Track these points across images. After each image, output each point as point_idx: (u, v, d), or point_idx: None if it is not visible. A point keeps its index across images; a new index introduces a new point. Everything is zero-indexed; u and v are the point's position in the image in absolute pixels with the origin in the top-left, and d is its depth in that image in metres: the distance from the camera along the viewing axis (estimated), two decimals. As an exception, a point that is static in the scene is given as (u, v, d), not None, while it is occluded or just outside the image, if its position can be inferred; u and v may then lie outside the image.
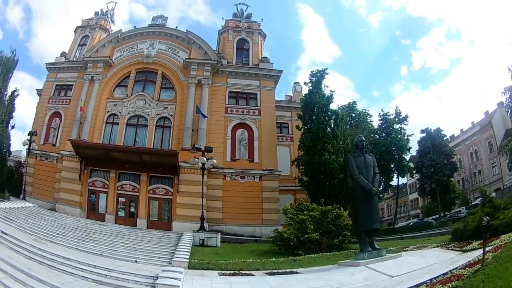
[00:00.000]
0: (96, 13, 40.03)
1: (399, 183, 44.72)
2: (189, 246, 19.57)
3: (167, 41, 35.36)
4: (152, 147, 31.13)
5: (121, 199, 29.90)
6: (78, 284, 10.36)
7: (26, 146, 30.03)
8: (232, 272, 13.27)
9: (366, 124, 36.99)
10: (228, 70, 34.33)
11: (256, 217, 29.40)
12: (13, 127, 36.34)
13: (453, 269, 8.77)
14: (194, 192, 26.34)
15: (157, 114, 32.68)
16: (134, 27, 36.88)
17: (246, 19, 38.41)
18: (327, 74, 31.73)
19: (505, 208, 14.65)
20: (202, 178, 25.46)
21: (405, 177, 46.29)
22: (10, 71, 34.16)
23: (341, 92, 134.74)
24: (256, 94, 33.85)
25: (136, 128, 32.63)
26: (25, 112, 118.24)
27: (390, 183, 38.85)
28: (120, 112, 32.83)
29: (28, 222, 20.95)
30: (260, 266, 14.62)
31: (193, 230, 23.98)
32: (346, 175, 27.06)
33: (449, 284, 7.28)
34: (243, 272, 13.32)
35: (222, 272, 13.29)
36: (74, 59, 36.96)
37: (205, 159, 25.08)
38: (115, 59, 34.71)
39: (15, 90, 35.43)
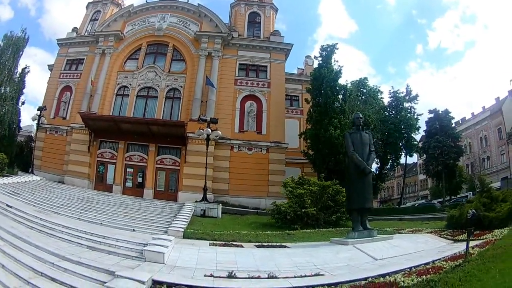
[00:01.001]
0: (108, -12, 40.20)
1: (410, 162, 44.25)
2: (188, 216, 19.83)
3: (178, 15, 35.42)
4: (161, 118, 31.40)
5: (129, 169, 30.33)
6: (73, 249, 10.64)
7: (36, 121, 30.35)
8: (223, 242, 13.37)
9: (376, 101, 36.55)
10: (239, 43, 34.35)
11: (262, 189, 29.51)
12: (23, 103, 36.62)
13: (436, 260, 8.63)
14: (201, 162, 26.22)
15: (167, 86, 32.85)
16: (146, 1, 37.00)
17: (258, -8, 38.36)
18: (337, 49, 31.39)
19: (504, 201, 14.17)
20: (207, 149, 25.57)
21: (416, 157, 45.66)
22: (20, 50, 34.29)
23: (357, 67, 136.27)
24: (266, 66, 33.88)
25: (146, 99, 32.90)
26: (38, 87, 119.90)
27: (398, 161, 38.49)
28: (130, 84, 33.15)
29: (34, 194, 21.39)
30: (252, 238, 14.67)
31: (195, 201, 24.09)
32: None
33: (425, 276, 7.06)
34: (234, 243, 13.38)
35: (214, 242, 13.42)
36: (86, 34, 37.34)
37: (210, 130, 25.18)
38: (126, 33, 34.96)
39: (25, 67, 35.58)
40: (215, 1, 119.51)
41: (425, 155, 42.60)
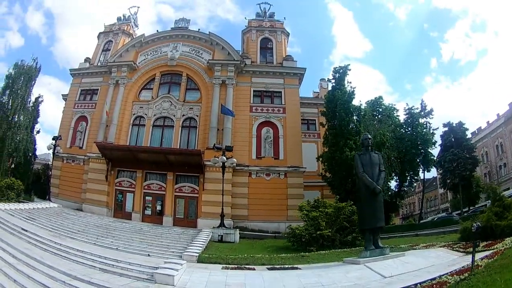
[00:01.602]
0: (119, 19, 40.96)
1: (429, 177, 43.82)
2: (204, 242, 20.15)
3: (190, 43, 35.95)
4: (178, 147, 31.68)
5: (147, 198, 30.59)
6: (85, 271, 11.13)
7: (51, 150, 30.93)
8: (236, 266, 13.50)
9: (392, 119, 36.48)
10: (252, 70, 34.68)
11: (281, 214, 29.48)
12: (38, 131, 37.22)
13: (443, 275, 8.51)
14: (219, 190, 26.28)
15: (183, 115, 33.26)
16: (157, 31, 37.53)
17: (269, 18, 38.74)
18: (350, 70, 31.63)
19: None
20: (223, 177, 25.72)
21: (435, 171, 45.16)
22: (32, 79, 34.78)
23: (374, 86, 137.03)
24: (281, 92, 34.06)
25: (162, 129, 33.29)
26: (54, 115, 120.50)
27: (415, 177, 38.38)
28: (146, 114, 33.56)
29: (50, 220, 21.95)
30: (266, 262, 14.74)
31: (213, 227, 24.47)
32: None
33: (428, 292, 6.97)
34: (246, 266, 13.49)
35: (227, 266, 13.59)
36: (99, 64, 37.98)
37: (225, 158, 25.47)
38: (139, 63, 35.50)
39: (39, 97, 36.10)
40: (232, 26, 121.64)
41: (441, 169, 42.35)
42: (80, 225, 22.21)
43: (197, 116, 33.08)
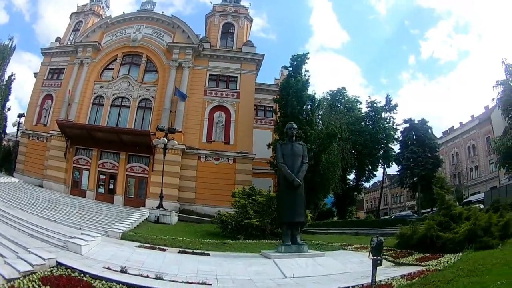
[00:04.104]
0: (91, -1, 41.07)
1: (395, 173, 43.19)
2: (137, 221, 20.80)
3: (153, 26, 35.91)
4: (133, 127, 31.86)
5: (101, 176, 31.07)
6: (16, 234, 12.45)
7: (16, 127, 31.40)
8: (150, 245, 13.64)
9: (354, 111, 36.03)
10: (210, 54, 34.56)
11: (227, 199, 28.36)
12: (9, 109, 37.72)
13: None
14: (169, 171, 26.92)
15: (140, 96, 33.34)
16: (123, 12, 37.61)
17: (234, 3, 38.39)
18: (308, 58, 31.34)
19: (468, 218, 12.39)
20: (164, 158, 26.03)
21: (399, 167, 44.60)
22: (7, 58, 35.27)
23: (350, 77, 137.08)
24: (237, 77, 34.03)
25: (119, 109, 33.39)
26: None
27: (374, 172, 38.01)
28: (105, 94, 33.68)
29: (8, 194, 22.78)
30: (183, 245, 14.61)
31: (151, 207, 24.78)
32: (318, 162, 26.86)
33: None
34: (160, 247, 13.53)
35: (143, 245, 13.73)
36: (68, 44, 38.03)
37: (166, 139, 25.76)
38: (104, 44, 35.52)
39: (11, 75, 36.73)
40: (203, 12, 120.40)
41: (399, 166, 41.65)
42: (32, 199, 23.16)
43: (152, 97, 33.12)
